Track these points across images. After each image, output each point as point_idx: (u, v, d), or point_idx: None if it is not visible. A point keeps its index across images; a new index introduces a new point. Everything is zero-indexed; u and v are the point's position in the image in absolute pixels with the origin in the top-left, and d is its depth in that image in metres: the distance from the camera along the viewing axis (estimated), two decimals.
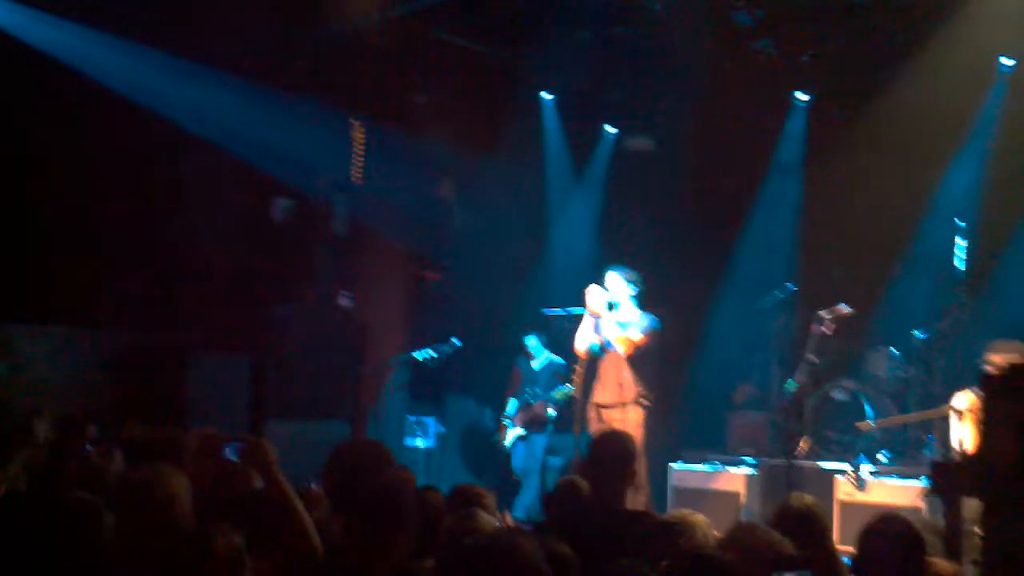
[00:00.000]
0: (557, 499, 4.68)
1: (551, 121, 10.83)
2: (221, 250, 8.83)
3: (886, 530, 3.67)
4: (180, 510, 3.57)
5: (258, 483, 4.14)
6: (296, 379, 8.81)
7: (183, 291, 8.69)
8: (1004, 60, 8.91)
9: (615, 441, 4.74)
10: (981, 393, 5.62)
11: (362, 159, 9.76)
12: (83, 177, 8.06)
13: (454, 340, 9.19)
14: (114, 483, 4.21)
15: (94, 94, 8.10)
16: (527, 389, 9.45)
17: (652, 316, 7.64)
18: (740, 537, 3.65)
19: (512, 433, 9.43)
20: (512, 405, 9.52)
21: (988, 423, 5.41)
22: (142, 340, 8.45)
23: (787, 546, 3.61)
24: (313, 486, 4.41)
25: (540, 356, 9.52)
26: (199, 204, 8.80)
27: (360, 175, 9.77)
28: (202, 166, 8.70)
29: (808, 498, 4.05)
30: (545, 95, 10.69)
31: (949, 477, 5.55)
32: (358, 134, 9.72)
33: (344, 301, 9.69)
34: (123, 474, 4.49)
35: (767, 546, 3.57)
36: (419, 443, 9.68)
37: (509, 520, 4.82)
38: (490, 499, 4.34)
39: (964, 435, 6.88)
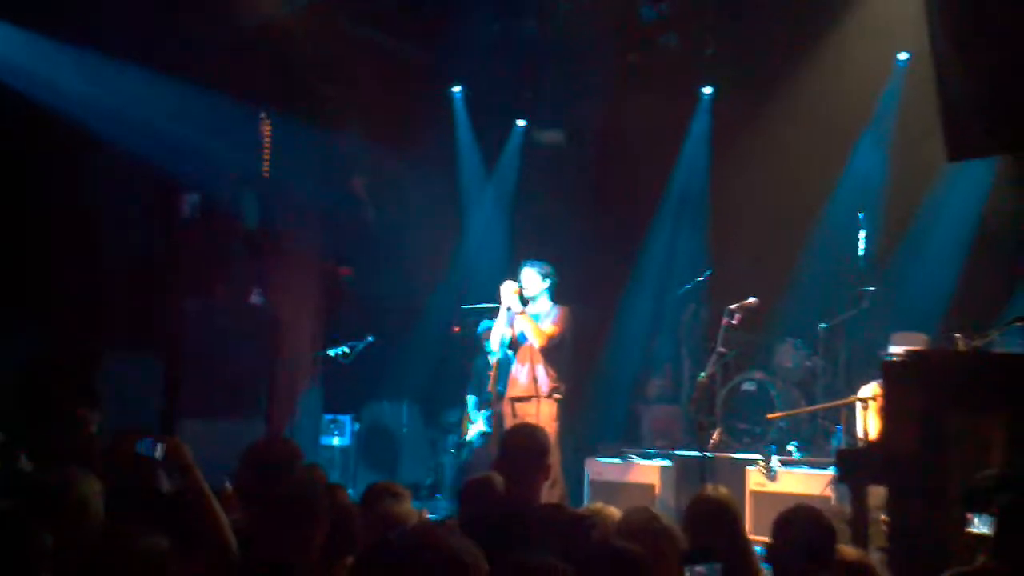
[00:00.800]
0: (471, 494, 4.68)
1: (461, 115, 10.83)
2: (129, 246, 8.65)
3: (799, 519, 3.75)
4: (93, 513, 3.51)
5: (167, 484, 4.09)
6: (209, 377, 8.67)
7: (91, 288, 8.49)
8: (900, 55, 9.17)
9: (528, 435, 4.74)
10: (883, 382, 5.79)
11: (271, 153, 9.64)
12: None
13: (368, 336, 9.13)
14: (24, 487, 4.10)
15: None
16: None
17: (565, 308, 7.70)
18: (634, 524, 3.69)
19: (475, 429, 9.40)
20: (472, 401, 9.49)
21: (890, 411, 5.58)
22: (50, 339, 8.24)
23: (678, 531, 3.68)
24: (227, 486, 4.37)
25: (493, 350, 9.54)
26: (105, 200, 8.60)
27: (269, 170, 9.64)
28: (108, 162, 8.50)
29: (721, 489, 4.12)
30: (455, 89, 10.68)
31: (854, 465, 5.70)
32: (266, 128, 9.59)
33: (255, 298, 9.57)
34: (33, 477, 4.37)
35: (662, 534, 3.63)
36: (335, 441, 9.61)
37: (425, 517, 4.80)
38: (406, 496, 4.33)
39: (869, 424, 7.05)
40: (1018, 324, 6.13)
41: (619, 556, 3.16)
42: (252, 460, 4.36)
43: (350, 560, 3.78)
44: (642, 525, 3.66)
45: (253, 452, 4.37)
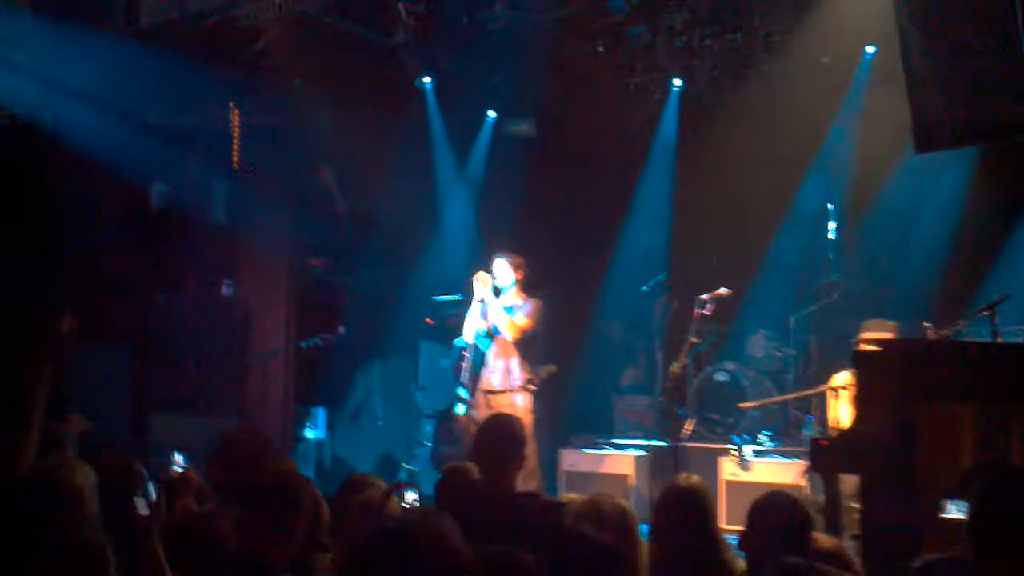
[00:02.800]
0: (446, 484, 4.68)
1: (432, 106, 10.77)
2: (98, 237, 8.57)
3: (774, 506, 3.75)
4: (87, 503, 3.45)
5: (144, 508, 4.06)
6: (179, 371, 8.61)
7: (59, 278, 8.40)
8: (868, 48, 9.20)
9: (503, 425, 4.75)
10: (854, 371, 5.82)
11: (240, 144, 9.56)
12: None
13: (341, 328, 9.09)
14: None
15: None
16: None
17: (537, 301, 7.69)
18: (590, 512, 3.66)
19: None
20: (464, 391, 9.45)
21: (861, 400, 5.60)
22: (17, 328, 8.13)
23: (633, 518, 3.66)
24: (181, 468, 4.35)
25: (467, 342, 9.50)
26: (73, 192, 8.52)
27: (239, 161, 9.57)
28: (75, 153, 8.41)
29: (693, 477, 4.12)
30: (425, 80, 10.62)
31: (826, 454, 5.72)
32: (235, 119, 9.51)
33: (226, 290, 9.50)
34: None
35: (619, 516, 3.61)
36: (309, 434, 9.56)
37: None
38: (382, 487, 4.31)
39: (840, 413, 7.09)
40: (986, 313, 6.19)
41: (589, 544, 3.15)
42: (222, 451, 4.34)
43: (328, 556, 3.78)
44: (594, 511, 3.63)
45: (223, 444, 4.34)
